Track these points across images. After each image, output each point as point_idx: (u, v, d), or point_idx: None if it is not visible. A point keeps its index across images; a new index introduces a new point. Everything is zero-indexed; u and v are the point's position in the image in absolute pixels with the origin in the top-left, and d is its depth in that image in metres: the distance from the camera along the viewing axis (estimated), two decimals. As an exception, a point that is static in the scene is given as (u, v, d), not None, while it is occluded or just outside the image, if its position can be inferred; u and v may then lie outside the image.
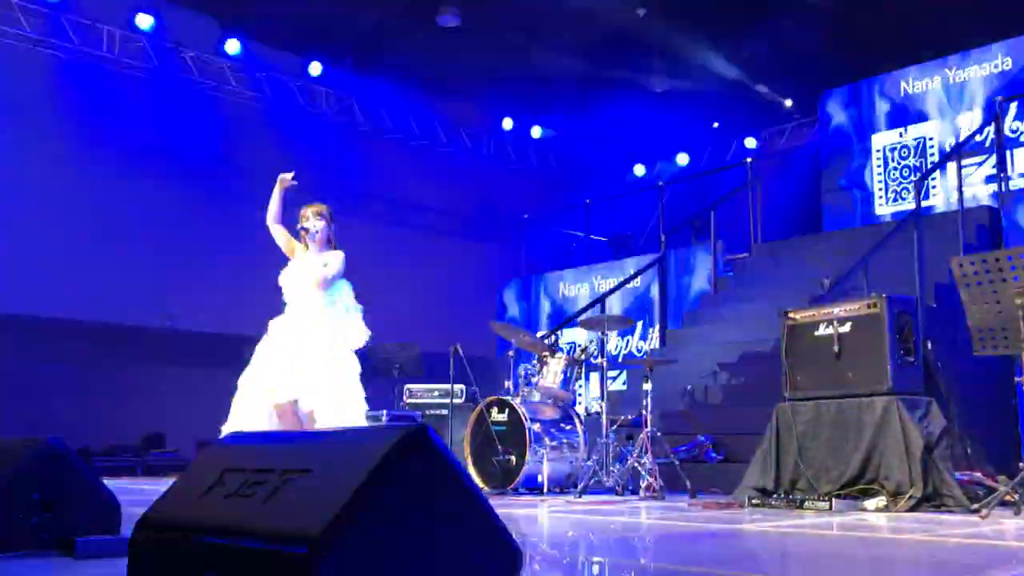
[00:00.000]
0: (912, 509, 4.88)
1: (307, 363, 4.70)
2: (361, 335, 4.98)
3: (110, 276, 10.70)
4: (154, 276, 11.24)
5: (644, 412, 6.49)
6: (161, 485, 2.00)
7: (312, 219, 5.02)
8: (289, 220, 5.15)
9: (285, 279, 5.03)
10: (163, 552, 1.88)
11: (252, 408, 4.67)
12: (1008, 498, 4.73)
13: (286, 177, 5.11)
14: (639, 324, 10.60)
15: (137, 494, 5.67)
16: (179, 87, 11.79)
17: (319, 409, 4.63)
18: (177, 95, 11.75)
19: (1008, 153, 8.91)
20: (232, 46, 11.97)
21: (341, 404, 4.71)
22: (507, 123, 14.27)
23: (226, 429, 4.69)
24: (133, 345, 12.11)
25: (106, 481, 3.09)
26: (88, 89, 11.06)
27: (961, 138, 9.37)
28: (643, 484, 6.22)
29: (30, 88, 10.88)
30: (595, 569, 3.00)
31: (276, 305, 5.12)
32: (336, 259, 4.97)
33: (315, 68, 12.74)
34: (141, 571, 1.93)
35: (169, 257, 11.42)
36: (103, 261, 10.75)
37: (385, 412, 8.71)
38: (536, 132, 14.44)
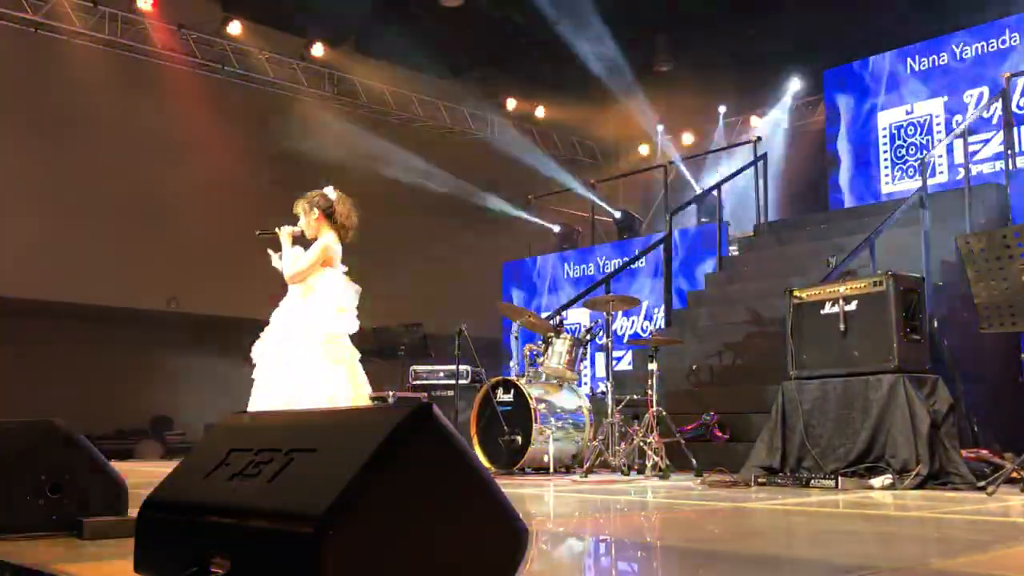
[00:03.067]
0: (918, 487, 4.88)
1: (280, 352, 4.64)
2: (340, 322, 4.81)
3: (116, 260, 10.71)
4: (160, 259, 11.25)
5: (649, 392, 6.49)
6: (167, 468, 2.01)
7: (301, 216, 4.94)
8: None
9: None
10: (169, 532, 1.88)
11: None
12: (1014, 475, 4.72)
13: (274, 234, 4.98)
14: (644, 304, 10.59)
15: (142, 475, 5.69)
16: (181, 69, 11.75)
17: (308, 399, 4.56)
18: (179, 77, 11.72)
19: (1015, 130, 8.84)
20: (234, 28, 11.92)
21: (327, 390, 4.61)
22: (512, 103, 14.21)
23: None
24: (140, 329, 12.14)
25: (113, 464, 3.10)
26: (90, 72, 11.03)
27: (968, 115, 9.30)
28: (649, 463, 6.23)
29: (33, 71, 10.86)
30: (601, 547, 3.01)
31: (281, 289, 5.10)
32: (313, 249, 4.83)
33: (317, 49, 12.69)
34: (148, 551, 1.93)
35: (175, 241, 11.43)
36: (109, 245, 10.76)
37: (391, 393, 8.73)
38: (540, 112, 14.38)
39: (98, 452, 2.95)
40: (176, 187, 11.58)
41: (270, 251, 4.95)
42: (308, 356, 4.63)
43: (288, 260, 4.85)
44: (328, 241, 4.86)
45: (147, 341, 12.27)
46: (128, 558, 1.99)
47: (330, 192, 5.02)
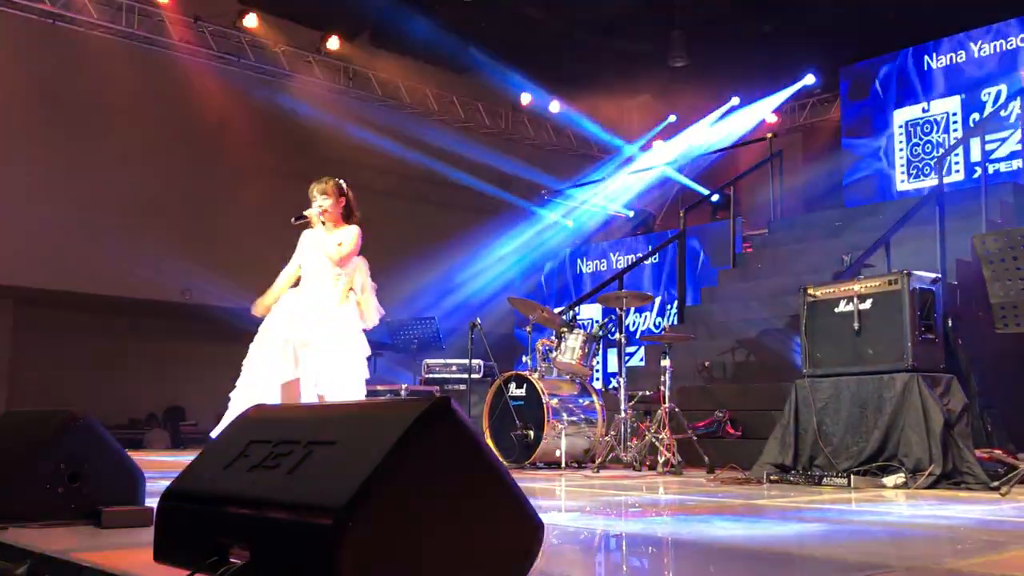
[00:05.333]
0: (931, 486, 4.87)
1: (319, 347, 4.70)
2: (372, 316, 4.96)
3: (130, 251, 10.76)
4: (174, 251, 11.29)
5: (662, 388, 6.50)
6: (182, 458, 2.04)
7: (318, 198, 4.94)
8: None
9: (301, 256, 5.02)
10: (188, 523, 1.90)
11: (262, 381, 4.67)
12: (1028, 476, 4.71)
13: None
14: (657, 300, 10.59)
15: (158, 466, 5.73)
16: (197, 61, 11.79)
17: (327, 394, 4.62)
18: (195, 69, 11.75)
19: (1033, 128, 8.80)
20: (250, 20, 11.95)
21: (344, 388, 4.69)
22: (525, 98, 14.19)
23: (235, 396, 4.73)
24: (154, 319, 12.21)
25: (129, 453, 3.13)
26: (107, 64, 11.08)
27: (985, 113, 9.25)
28: (661, 459, 6.24)
29: (50, 64, 10.91)
30: (612, 543, 3.02)
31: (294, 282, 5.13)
32: (350, 237, 4.91)
33: (333, 42, 12.71)
34: (167, 540, 1.96)
35: (189, 232, 11.47)
36: (124, 236, 10.80)
37: (404, 387, 8.76)
38: (555, 107, 14.36)
39: (116, 442, 2.98)
40: (192, 179, 11.63)
41: (301, 255, 4.97)
42: (361, 352, 4.79)
43: (326, 245, 4.87)
44: (359, 230, 4.94)
45: (161, 332, 12.34)
46: (146, 547, 2.01)
47: (343, 183, 5.08)
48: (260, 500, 1.71)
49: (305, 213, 4.95)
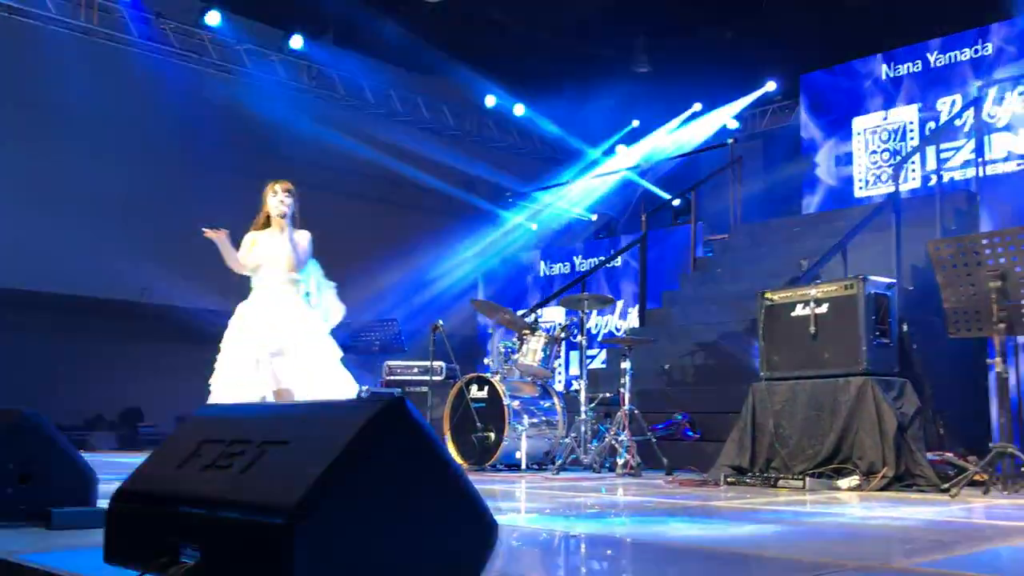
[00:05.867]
0: (884, 488, 4.95)
1: (302, 353, 4.65)
2: (338, 312, 4.96)
3: (88, 249, 10.60)
4: (132, 250, 11.14)
5: (622, 390, 6.53)
6: (138, 459, 2.01)
7: (281, 194, 4.88)
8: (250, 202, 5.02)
9: (260, 258, 4.91)
10: (140, 523, 1.88)
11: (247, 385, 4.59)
12: (978, 478, 4.80)
13: (218, 235, 4.93)
14: (619, 303, 10.65)
15: (114, 467, 5.65)
16: (158, 59, 11.65)
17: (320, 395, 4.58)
18: (156, 67, 11.62)
19: (986, 138, 8.98)
20: (212, 18, 11.83)
21: (335, 387, 4.67)
22: (490, 100, 14.20)
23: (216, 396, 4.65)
24: (111, 319, 12.03)
25: (83, 455, 3.08)
26: (65, 60, 10.90)
27: (941, 123, 9.42)
28: (620, 461, 6.28)
29: (5, 59, 10.72)
30: (571, 543, 3.03)
31: (242, 280, 5.06)
32: (306, 239, 4.90)
33: (296, 41, 12.62)
34: (118, 542, 1.93)
35: (148, 231, 11.32)
36: (81, 234, 10.65)
37: (365, 388, 8.72)
38: (519, 110, 14.39)
39: (68, 442, 2.93)
40: (151, 177, 11.48)
41: (261, 257, 4.90)
42: (336, 350, 4.74)
43: (287, 248, 4.82)
44: (309, 233, 4.92)
45: (119, 332, 12.16)
46: (98, 548, 1.99)
47: None
48: (212, 500, 1.70)
49: (285, 211, 4.89)
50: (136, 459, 2.14)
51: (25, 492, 2.78)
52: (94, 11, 11.04)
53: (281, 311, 4.75)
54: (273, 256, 4.85)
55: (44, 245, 10.50)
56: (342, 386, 4.71)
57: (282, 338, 4.67)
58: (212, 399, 4.61)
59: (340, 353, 4.87)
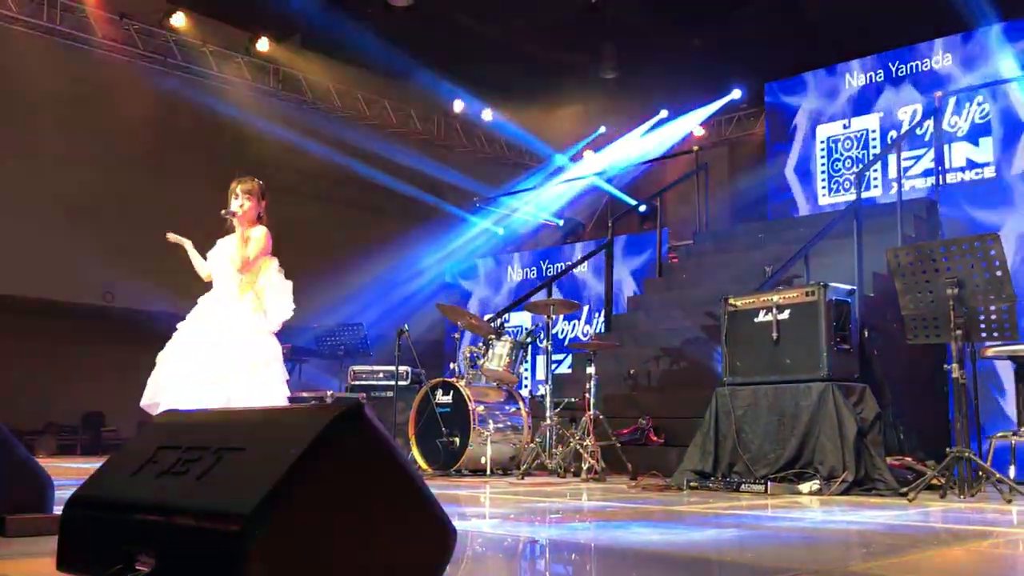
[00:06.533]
0: (845, 492, 5.01)
1: (224, 356, 4.48)
2: (282, 313, 4.74)
3: (51, 252, 10.46)
4: (96, 252, 11.00)
5: (587, 395, 6.56)
6: (98, 465, 1.99)
7: (241, 197, 4.71)
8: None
9: (211, 258, 4.81)
10: (95, 529, 1.86)
11: (172, 389, 4.47)
12: (935, 482, 4.88)
13: (182, 241, 4.84)
14: (585, 308, 10.68)
15: (74, 472, 5.57)
16: (123, 60, 11.52)
17: (240, 397, 4.43)
18: (121, 68, 11.49)
19: (946, 147, 9.13)
20: (178, 19, 11.73)
21: (261, 388, 4.52)
22: (458, 105, 14.21)
23: (145, 402, 4.55)
24: (74, 323, 11.87)
25: (41, 460, 3.04)
26: (28, 60, 10.76)
27: (902, 131, 9.57)
28: (585, 466, 6.29)
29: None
30: (534, 549, 3.04)
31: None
32: (257, 236, 4.70)
33: (263, 43, 12.55)
34: (72, 549, 1.91)
35: (110, 234, 11.19)
36: (44, 236, 10.50)
37: (329, 393, 8.67)
38: (487, 115, 14.41)
39: (23, 447, 2.89)
40: (115, 180, 11.35)
41: (212, 257, 4.81)
42: (272, 351, 4.59)
43: (235, 247, 4.67)
44: (267, 230, 4.77)
45: (81, 335, 11.99)
46: (51, 556, 1.96)
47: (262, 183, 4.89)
48: (168, 506, 1.69)
49: (233, 210, 4.72)
50: (96, 464, 2.12)
51: (-22, 498, 2.73)
52: (57, 11, 10.91)
53: (204, 324, 4.62)
54: (223, 257, 4.74)
55: (6, 247, 10.35)
56: (261, 390, 4.50)
57: (198, 354, 4.52)
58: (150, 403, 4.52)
59: (272, 354, 4.64)
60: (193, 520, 1.60)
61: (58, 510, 2.65)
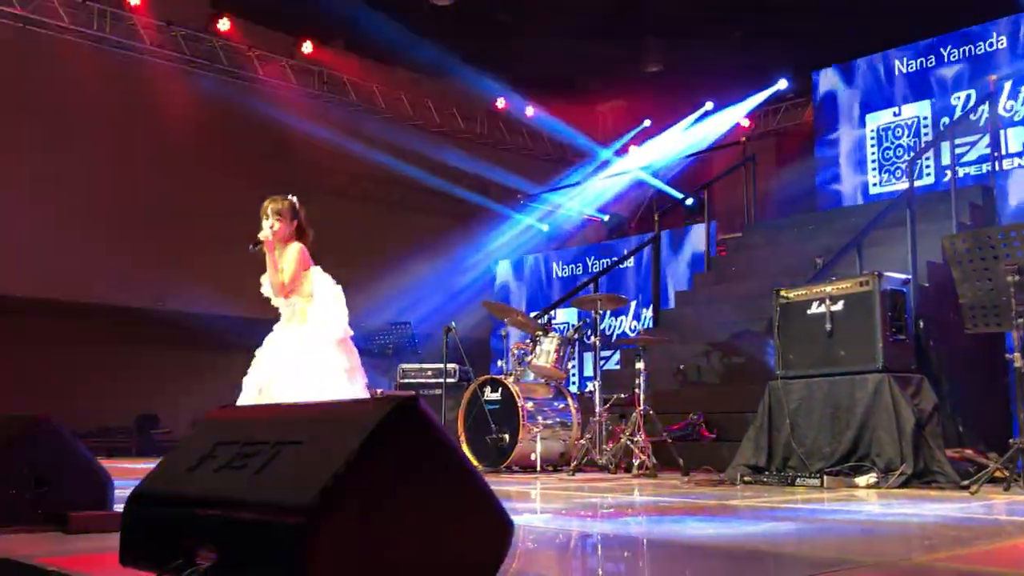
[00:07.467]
0: (903, 486, 4.91)
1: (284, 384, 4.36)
2: (336, 320, 4.63)
3: (103, 257, 10.66)
4: (147, 257, 11.20)
5: (637, 391, 6.51)
6: (153, 465, 2.03)
7: (271, 217, 4.56)
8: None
9: (263, 283, 4.67)
10: (155, 524, 1.88)
11: None
12: (998, 474, 4.76)
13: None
14: (632, 304, 10.62)
15: (129, 472, 5.67)
16: (170, 66, 11.71)
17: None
18: (168, 74, 11.67)
19: (1002, 132, 8.91)
20: (223, 24, 11.88)
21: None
22: (500, 102, 14.21)
23: None
24: (126, 326, 12.09)
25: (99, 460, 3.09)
26: (79, 69, 10.98)
27: (955, 117, 9.36)
28: (636, 462, 6.25)
29: (21, 68, 10.80)
30: (586, 543, 3.02)
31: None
32: (290, 259, 4.52)
33: (307, 47, 12.67)
34: (134, 545, 1.93)
35: (162, 238, 11.39)
36: (96, 242, 10.71)
37: (379, 391, 8.73)
38: (530, 112, 14.39)
39: (83, 446, 2.94)
40: (165, 184, 11.54)
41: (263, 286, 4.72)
42: (334, 364, 4.43)
43: (273, 275, 4.53)
44: (301, 245, 4.58)
45: (133, 338, 12.21)
46: (113, 551, 1.99)
47: (296, 201, 4.68)
48: (227, 501, 1.70)
49: (260, 237, 4.54)
50: (151, 465, 2.15)
51: (42, 496, 2.79)
52: (106, 20, 11.11)
53: (268, 348, 4.54)
54: (267, 282, 4.61)
55: (60, 254, 10.57)
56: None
57: (263, 375, 4.49)
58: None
59: (341, 364, 4.52)
60: (253, 514, 1.61)
61: (117, 507, 2.70)
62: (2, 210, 10.34)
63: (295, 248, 4.56)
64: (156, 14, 11.43)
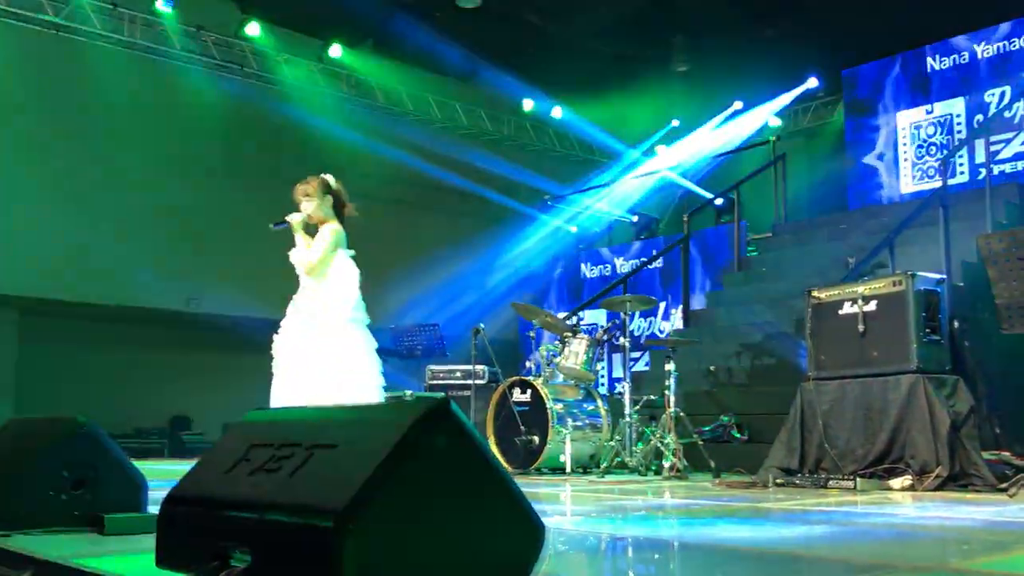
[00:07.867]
0: (938, 488, 4.85)
1: (308, 365, 4.48)
2: (346, 304, 4.58)
3: (136, 261, 10.79)
4: (180, 260, 11.31)
5: (667, 392, 6.48)
6: (186, 467, 2.05)
7: (301, 200, 4.69)
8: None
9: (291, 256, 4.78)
10: (190, 527, 1.89)
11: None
12: (1036, 477, 4.68)
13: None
14: (662, 305, 10.58)
15: (162, 475, 5.72)
16: (200, 71, 11.82)
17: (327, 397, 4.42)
18: (198, 78, 11.78)
19: (1038, 129, 8.78)
20: (252, 29, 11.98)
21: (345, 381, 4.48)
22: (528, 104, 14.20)
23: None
24: (159, 329, 12.22)
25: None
26: (110, 74, 11.11)
27: (989, 115, 9.23)
28: (666, 464, 6.22)
29: (53, 74, 10.95)
30: (617, 546, 3.01)
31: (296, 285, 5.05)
32: (321, 238, 4.63)
33: (335, 50, 12.74)
34: (169, 546, 1.95)
35: (194, 241, 11.50)
36: (129, 246, 10.83)
37: (408, 393, 8.74)
38: (557, 112, 14.37)
39: (119, 449, 2.97)
40: (197, 187, 11.65)
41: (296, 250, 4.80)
42: (335, 344, 4.52)
43: (302, 249, 4.69)
44: (337, 226, 4.71)
45: (166, 341, 12.35)
46: (149, 553, 2.01)
47: (331, 178, 4.85)
48: (262, 503, 1.71)
49: (287, 219, 4.65)
50: (184, 467, 2.17)
51: (79, 498, 2.82)
52: (137, 26, 11.24)
53: (287, 325, 4.64)
54: (295, 259, 4.71)
55: (93, 257, 10.71)
56: (352, 385, 4.46)
57: (282, 352, 4.57)
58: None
59: (361, 343, 4.59)
60: (287, 516, 1.62)
61: (151, 509, 2.72)
62: (35, 215, 10.49)
63: (328, 230, 4.67)
64: (186, 20, 11.55)
